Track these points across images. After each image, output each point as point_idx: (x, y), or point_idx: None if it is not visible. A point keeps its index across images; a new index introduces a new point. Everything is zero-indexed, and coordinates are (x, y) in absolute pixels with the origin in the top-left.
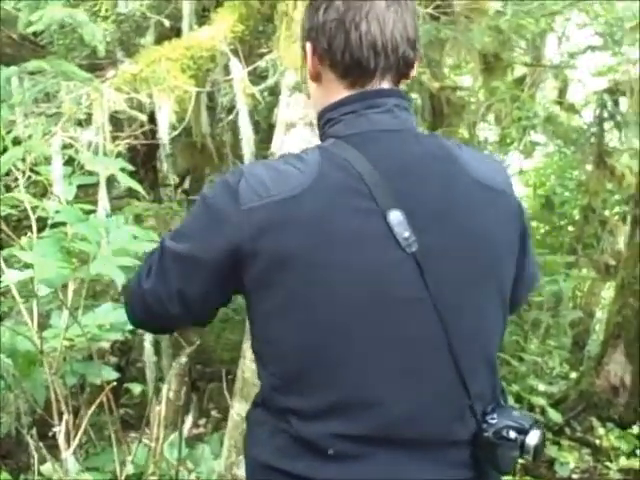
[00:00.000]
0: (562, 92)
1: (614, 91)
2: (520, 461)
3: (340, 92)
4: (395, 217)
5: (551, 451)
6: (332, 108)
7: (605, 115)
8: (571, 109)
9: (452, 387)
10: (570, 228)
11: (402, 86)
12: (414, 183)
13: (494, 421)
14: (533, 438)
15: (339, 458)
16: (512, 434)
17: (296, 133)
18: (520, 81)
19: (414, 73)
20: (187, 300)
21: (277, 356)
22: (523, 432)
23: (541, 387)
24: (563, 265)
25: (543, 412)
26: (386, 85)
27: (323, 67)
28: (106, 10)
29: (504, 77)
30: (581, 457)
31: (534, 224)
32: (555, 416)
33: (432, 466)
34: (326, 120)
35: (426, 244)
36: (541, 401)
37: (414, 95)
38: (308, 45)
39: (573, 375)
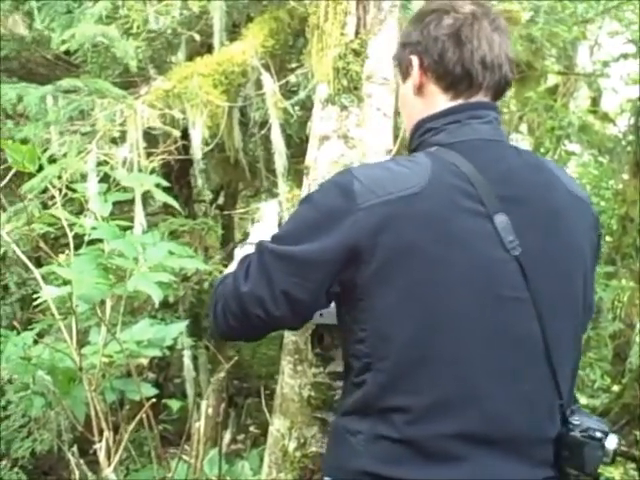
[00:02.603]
0: (595, 101)
1: None
2: None
3: (442, 104)
4: (501, 220)
5: None
6: (434, 118)
7: None
8: (605, 118)
9: (546, 386)
10: (608, 238)
11: None
12: (517, 190)
13: (578, 422)
14: (612, 442)
15: (441, 459)
16: (598, 434)
17: (330, 146)
18: (553, 90)
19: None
20: (293, 301)
21: (389, 352)
22: (604, 435)
23: (583, 400)
24: (602, 276)
25: None
26: (487, 99)
27: (427, 79)
28: (137, 27)
29: (537, 87)
30: (626, 471)
31: None
32: None
33: (524, 466)
34: (426, 129)
35: (528, 248)
36: None
37: None
38: (414, 58)
39: (615, 388)
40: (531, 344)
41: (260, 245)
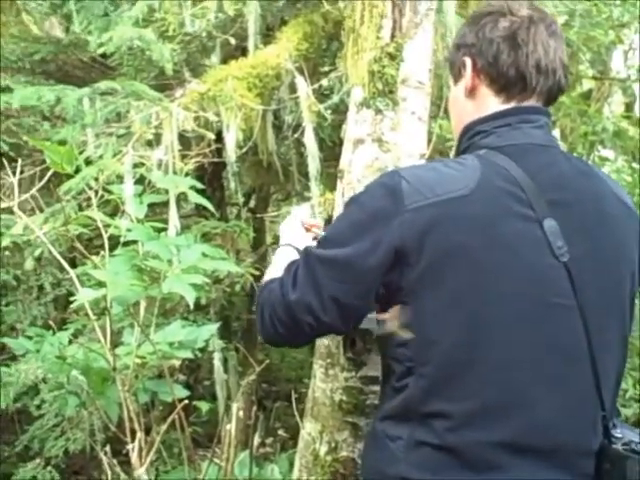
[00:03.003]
0: (630, 106)
1: None
2: None
3: (494, 106)
4: (550, 226)
5: None
6: (484, 121)
7: None
8: None
9: (590, 396)
10: None
11: None
12: (566, 196)
13: (620, 435)
14: None
15: (481, 467)
16: None
17: (364, 150)
18: (587, 95)
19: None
20: (342, 306)
21: (433, 356)
22: None
23: None
24: None
25: None
26: (539, 104)
27: (480, 82)
28: (173, 30)
29: (571, 92)
30: None
31: None
32: None
33: (567, 477)
34: (476, 132)
35: (576, 254)
36: None
37: None
38: (468, 60)
39: None
40: (577, 353)
41: (306, 250)
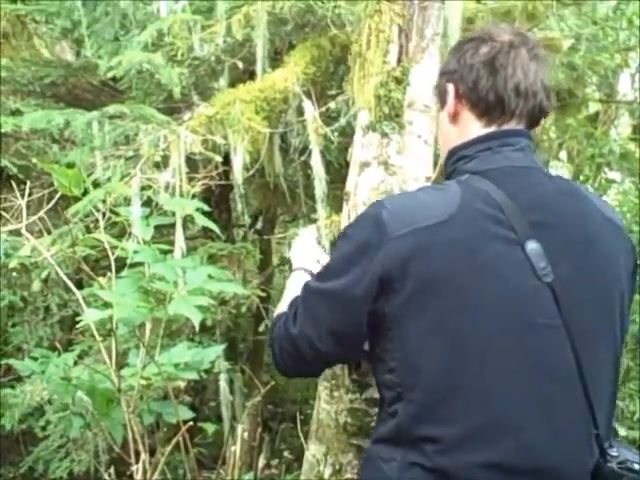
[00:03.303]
0: (637, 128)
1: None
2: None
3: (476, 131)
4: (532, 247)
5: None
6: (467, 145)
7: None
8: None
9: (582, 416)
10: None
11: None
12: (549, 216)
13: (616, 454)
14: None
15: None
16: (636, 466)
17: (370, 173)
18: (593, 118)
19: (539, 128)
20: (339, 336)
21: (420, 382)
22: None
23: (622, 432)
24: None
25: None
26: (520, 126)
27: (462, 107)
28: (182, 54)
29: (577, 114)
30: None
31: None
32: None
33: None
34: (459, 157)
35: (561, 275)
36: None
37: None
38: (450, 86)
39: None
40: (566, 373)
41: (305, 285)
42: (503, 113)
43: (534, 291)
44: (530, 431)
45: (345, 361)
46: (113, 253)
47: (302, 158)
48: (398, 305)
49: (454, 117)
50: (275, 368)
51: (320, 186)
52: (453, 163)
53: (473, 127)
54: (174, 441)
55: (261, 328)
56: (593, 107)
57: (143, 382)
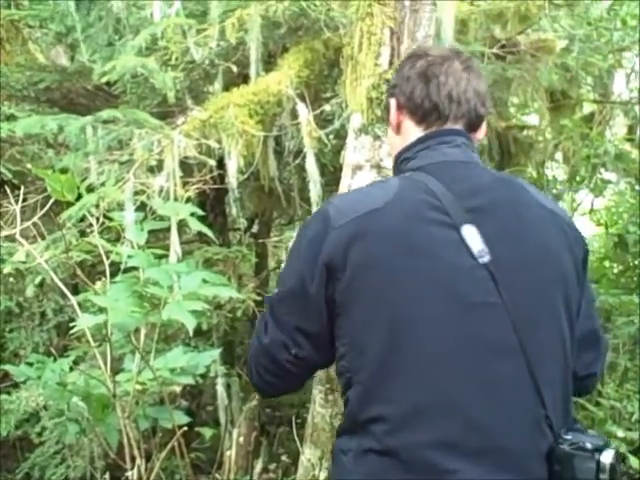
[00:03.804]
0: (632, 129)
1: None
2: None
3: (416, 136)
4: (468, 231)
5: None
6: (409, 148)
7: None
8: None
9: (527, 393)
10: None
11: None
12: (485, 202)
13: (570, 437)
14: (608, 456)
15: (425, 469)
16: (588, 445)
17: (363, 175)
18: (588, 119)
19: (482, 134)
20: (310, 336)
21: (364, 363)
22: (598, 450)
23: (620, 433)
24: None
25: (623, 459)
26: (457, 127)
27: (403, 117)
28: (176, 58)
29: (572, 115)
30: None
31: (607, 264)
32: (636, 463)
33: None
34: (402, 159)
35: (498, 256)
36: (621, 448)
37: None
38: (392, 100)
39: None
40: (508, 351)
41: (267, 298)
42: (439, 118)
43: (472, 270)
44: (476, 409)
45: (325, 366)
46: (108, 258)
47: (297, 161)
48: (342, 291)
49: (397, 127)
50: (256, 390)
51: (315, 189)
52: (397, 166)
53: (413, 133)
54: (169, 446)
55: None
56: (588, 108)
57: (138, 387)
